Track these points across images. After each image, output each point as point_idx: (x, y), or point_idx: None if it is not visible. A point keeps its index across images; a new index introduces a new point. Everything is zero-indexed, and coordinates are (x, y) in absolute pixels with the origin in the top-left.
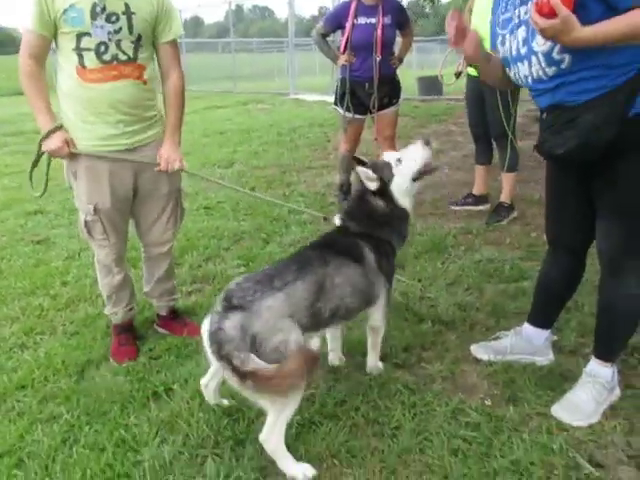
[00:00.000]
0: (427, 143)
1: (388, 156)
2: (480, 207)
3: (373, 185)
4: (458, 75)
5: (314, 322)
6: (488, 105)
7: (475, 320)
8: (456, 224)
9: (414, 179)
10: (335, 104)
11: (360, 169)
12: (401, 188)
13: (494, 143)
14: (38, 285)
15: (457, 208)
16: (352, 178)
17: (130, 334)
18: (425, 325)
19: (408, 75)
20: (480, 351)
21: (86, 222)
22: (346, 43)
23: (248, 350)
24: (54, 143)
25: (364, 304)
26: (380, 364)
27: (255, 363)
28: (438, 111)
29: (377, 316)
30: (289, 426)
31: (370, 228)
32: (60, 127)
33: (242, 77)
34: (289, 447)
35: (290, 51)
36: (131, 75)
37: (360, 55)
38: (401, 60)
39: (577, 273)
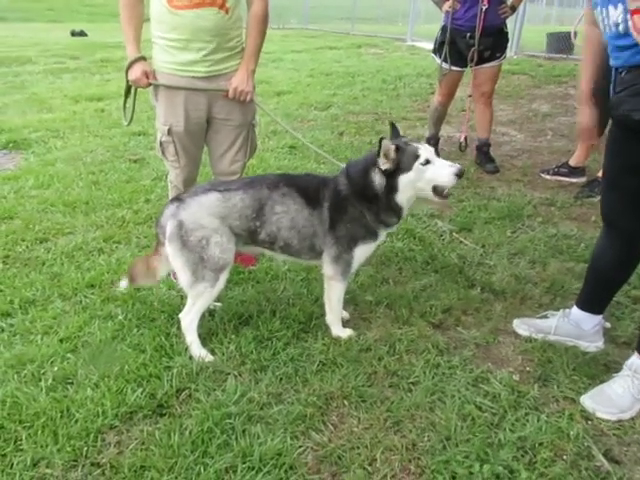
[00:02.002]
0: (459, 175)
1: (425, 148)
2: (573, 179)
3: (385, 165)
4: None
5: (251, 238)
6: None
7: (529, 294)
8: (541, 194)
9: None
10: (434, 52)
11: (386, 143)
12: (407, 186)
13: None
14: (125, 199)
15: (548, 177)
16: (383, 147)
17: None
18: (474, 291)
19: (539, 30)
20: (522, 326)
21: (161, 142)
22: None
23: (178, 237)
24: (134, 73)
25: (306, 248)
26: (342, 330)
27: (161, 251)
28: (562, 72)
29: (326, 267)
30: (311, 362)
31: (352, 192)
32: (141, 58)
33: (362, 19)
34: (306, 380)
35: None
36: (214, 3)
37: (466, 2)
38: (514, 9)
39: (632, 256)
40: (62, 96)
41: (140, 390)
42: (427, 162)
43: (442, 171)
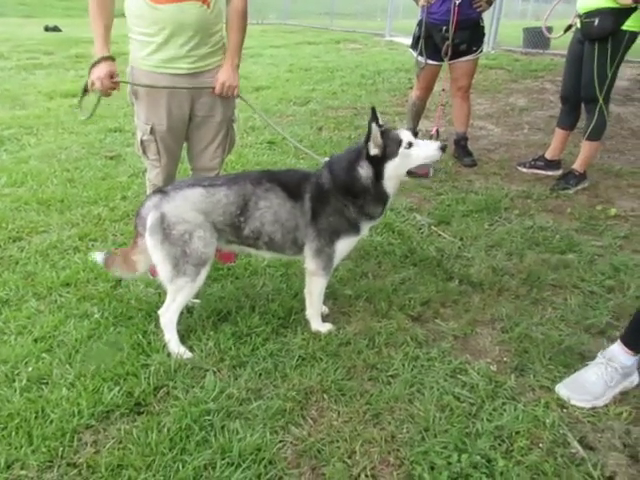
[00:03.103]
0: (443, 149)
1: (404, 133)
2: (549, 172)
3: (375, 151)
4: (568, 28)
5: (235, 234)
6: (585, 64)
7: (506, 285)
8: (518, 187)
9: (409, 172)
10: (411, 47)
11: (375, 128)
12: (395, 171)
13: (583, 107)
14: (101, 196)
15: (524, 170)
16: (373, 131)
17: None
18: (452, 283)
19: (516, 25)
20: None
21: (142, 141)
22: None
23: (159, 229)
24: (98, 72)
25: (289, 242)
26: (322, 325)
27: (140, 243)
28: (538, 66)
29: (308, 261)
30: (290, 357)
31: (335, 187)
32: (108, 58)
33: (341, 14)
34: (286, 375)
35: None
36: None
37: None
38: (490, 3)
39: None
40: (36, 92)
41: (117, 389)
42: (410, 145)
43: (428, 147)
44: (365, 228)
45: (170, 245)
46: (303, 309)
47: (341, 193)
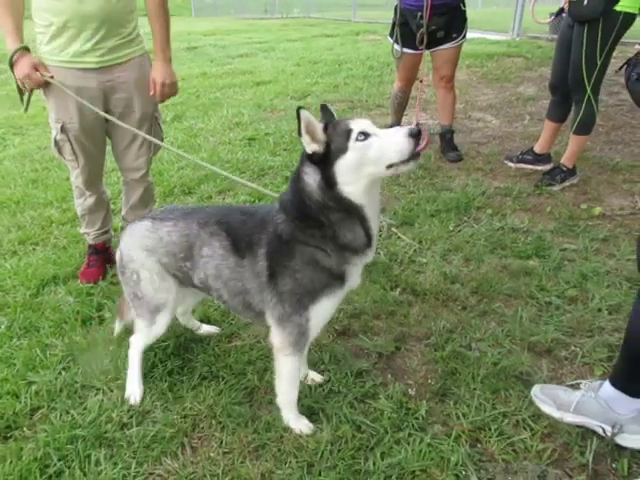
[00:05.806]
0: (414, 135)
1: (357, 122)
2: (538, 167)
3: (310, 147)
4: (559, 12)
5: (185, 280)
6: (573, 49)
7: (454, 295)
8: (501, 183)
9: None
10: (389, 35)
11: (305, 114)
12: (350, 172)
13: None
14: (57, 197)
15: (511, 165)
16: (302, 120)
17: (101, 257)
18: (393, 292)
19: (550, 10)
20: (540, 397)
21: (56, 141)
22: None
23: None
24: (22, 69)
25: (240, 306)
26: (298, 420)
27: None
28: None
29: (273, 333)
30: (190, 376)
31: (292, 220)
32: (24, 49)
33: (368, 6)
34: (181, 397)
35: None
36: None
37: None
38: None
39: None
40: (37, 92)
41: None
42: (365, 136)
43: (390, 140)
44: (353, 272)
45: (125, 284)
46: (223, 317)
47: (301, 225)
